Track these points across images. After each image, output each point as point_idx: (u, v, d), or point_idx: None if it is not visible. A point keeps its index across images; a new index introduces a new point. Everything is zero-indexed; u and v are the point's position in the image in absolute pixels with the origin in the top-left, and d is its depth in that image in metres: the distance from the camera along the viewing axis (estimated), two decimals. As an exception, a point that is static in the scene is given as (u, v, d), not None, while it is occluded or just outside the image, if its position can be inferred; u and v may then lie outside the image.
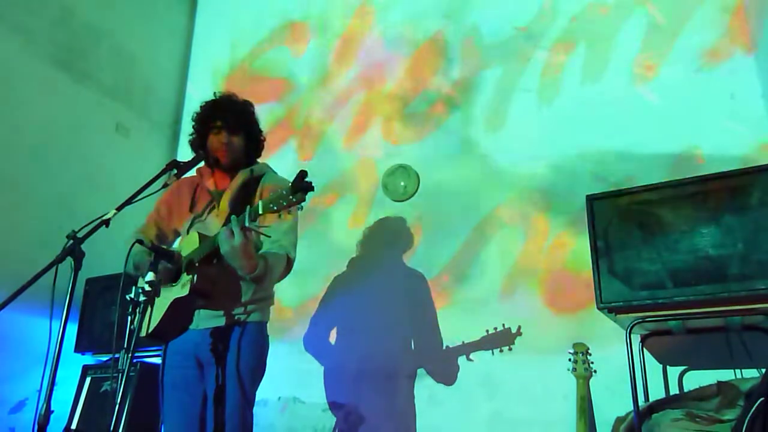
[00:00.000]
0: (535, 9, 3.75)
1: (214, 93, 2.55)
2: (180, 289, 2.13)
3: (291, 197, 1.76)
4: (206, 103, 2.51)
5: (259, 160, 2.60)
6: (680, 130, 3.08)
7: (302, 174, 1.75)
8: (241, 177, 2.41)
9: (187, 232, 2.38)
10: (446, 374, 3.23)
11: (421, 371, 3.33)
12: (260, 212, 1.84)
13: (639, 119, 3.20)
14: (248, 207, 1.90)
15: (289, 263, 2.29)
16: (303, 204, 1.79)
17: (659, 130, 3.13)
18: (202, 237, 2.16)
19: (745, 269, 2.10)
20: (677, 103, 3.14)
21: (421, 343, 3.43)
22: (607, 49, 3.45)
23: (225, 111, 2.45)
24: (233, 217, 1.98)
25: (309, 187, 1.75)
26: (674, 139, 3.08)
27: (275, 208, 1.79)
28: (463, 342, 3.15)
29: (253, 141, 2.54)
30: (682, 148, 3.05)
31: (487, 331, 3.03)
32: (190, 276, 2.10)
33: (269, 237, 2.20)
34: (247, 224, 1.89)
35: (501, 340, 3.00)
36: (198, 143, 2.50)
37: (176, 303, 2.12)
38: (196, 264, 2.11)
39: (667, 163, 3.04)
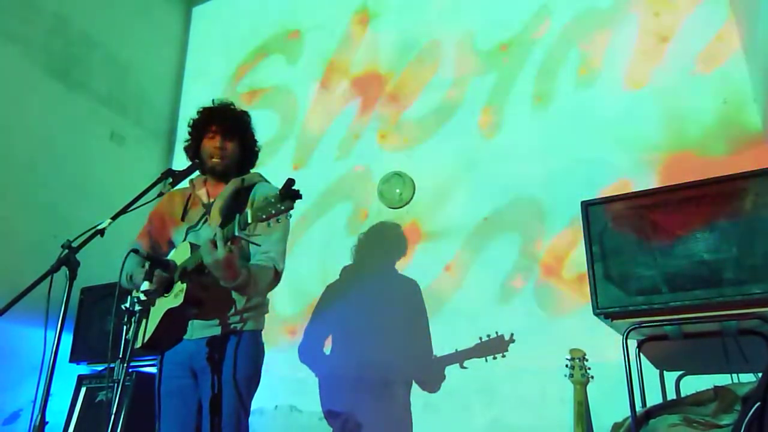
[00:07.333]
0: (529, 14, 3.77)
1: (213, 101, 2.54)
2: (173, 299, 2.13)
3: (279, 205, 1.75)
4: (203, 108, 2.50)
5: (252, 170, 2.58)
6: (673, 135, 3.10)
7: (290, 182, 1.74)
8: (232, 185, 2.40)
9: (182, 242, 2.36)
10: (431, 383, 3.23)
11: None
12: (249, 221, 1.82)
13: (633, 124, 3.21)
14: (237, 216, 1.89)
15: (277, 275, 2.26)
16: (291, 212, 1.78)
17: (653, 135, 3.14)
18: (193, 247, 2.15)
19: (740, 274, 2.10)
20: (670, 108, 3.16)
21: (412, 352, 3.42)
22: (600, 54, 3.47)
23: (221, 116, 2.45)
24: (218, 229, 1.97)
25: (297, 195, 1.74)
26: (668, 144, 3.10)
27: (264, 216, 1.77)
28: (456, 350, 3.14)
29: (247, 150, 2.53)
30: (675, 153, 3.07)
31: (480, 338, 3.03)
32: (183, 285, 2.10)
33: (259, 246, 2.20)
34: (236, 233, 1.88)
35: (494, 347, 3.00)
36: (193, 149, 2.49)
37: (170, 313, 2.12)
38: (189, 272, 2.10)
39: (661, 168, 3.06)
